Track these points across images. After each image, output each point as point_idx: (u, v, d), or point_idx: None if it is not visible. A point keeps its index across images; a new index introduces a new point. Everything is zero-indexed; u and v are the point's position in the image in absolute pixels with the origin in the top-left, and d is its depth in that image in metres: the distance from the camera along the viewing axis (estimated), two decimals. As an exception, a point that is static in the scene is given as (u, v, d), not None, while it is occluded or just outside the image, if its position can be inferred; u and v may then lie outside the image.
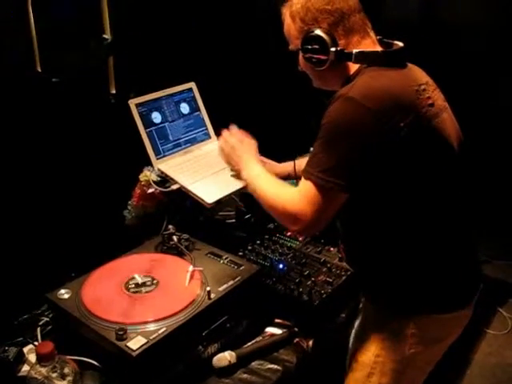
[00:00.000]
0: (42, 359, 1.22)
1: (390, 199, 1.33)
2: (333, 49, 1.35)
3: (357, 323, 1.55)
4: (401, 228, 1.36)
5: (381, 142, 1.25)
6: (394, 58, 1.39)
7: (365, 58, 1.36)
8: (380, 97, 1.26)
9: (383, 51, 1.39)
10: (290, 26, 1.42)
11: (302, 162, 1.39)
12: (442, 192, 1.37)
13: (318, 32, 1.35)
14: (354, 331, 1.55)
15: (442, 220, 1.39)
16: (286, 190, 1.39)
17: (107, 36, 2.21)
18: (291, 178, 1.71)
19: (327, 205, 1.30)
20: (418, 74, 1.41)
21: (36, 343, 1.42)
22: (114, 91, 2.28)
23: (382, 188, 1.31)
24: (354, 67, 1.38)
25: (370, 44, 1.40)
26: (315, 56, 1.37)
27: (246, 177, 1.51)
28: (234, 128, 1.63)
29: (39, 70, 2.11)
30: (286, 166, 1.76)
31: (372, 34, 1.42)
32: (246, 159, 1.54)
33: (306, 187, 1.31)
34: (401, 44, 1.42)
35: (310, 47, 1.37)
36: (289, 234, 1.88)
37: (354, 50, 1.36)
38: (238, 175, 1.58)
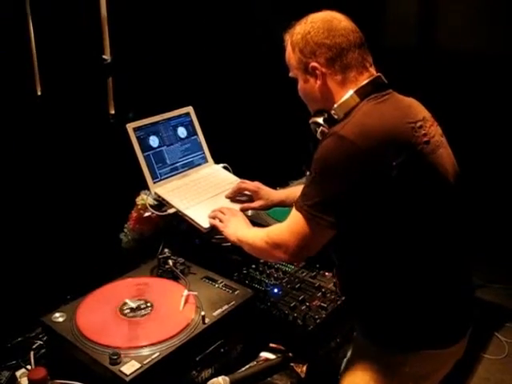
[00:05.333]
0: (34, 385, 1.21)
1: (383, 236, 1.33)
2: (321, 122, 1.39)
3: (349, 353, 1.54)
4: (394, 263, 1.35)
5: (370, 181, 1.25)
6: (376, 87, 1.37)
7: (347, 107, 1.35)
8: (372, 136, 1.26)
9: (357, 88, 1.36)
10: (290, 55, 1.43)
11: (296, 190, 1.40)
12: (436, 227, 1.35)
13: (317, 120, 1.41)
14: (345, 360, 1.54)
15: (437, 255, 1.37)
16: (271, 227, 1.47)
17: (107, 57, 2.23)
18: (285, 205, 1.73)
19: (312, 238, 1.33)
20: (415, 110, 1.39)
21: (29, 367, 1.41)
22: (113, 112, 2.30)
23: (374, 224, 1.31)
24: (350, 103, 1.36)
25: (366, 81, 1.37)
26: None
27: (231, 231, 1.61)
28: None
29: (39, 93, 2.14)
30: (281, 193, 1.78)
31: (372, 68, 1.40)
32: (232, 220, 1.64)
33: (295, 218, 1.34)
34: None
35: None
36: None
37: (333, 111, 1.37)
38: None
